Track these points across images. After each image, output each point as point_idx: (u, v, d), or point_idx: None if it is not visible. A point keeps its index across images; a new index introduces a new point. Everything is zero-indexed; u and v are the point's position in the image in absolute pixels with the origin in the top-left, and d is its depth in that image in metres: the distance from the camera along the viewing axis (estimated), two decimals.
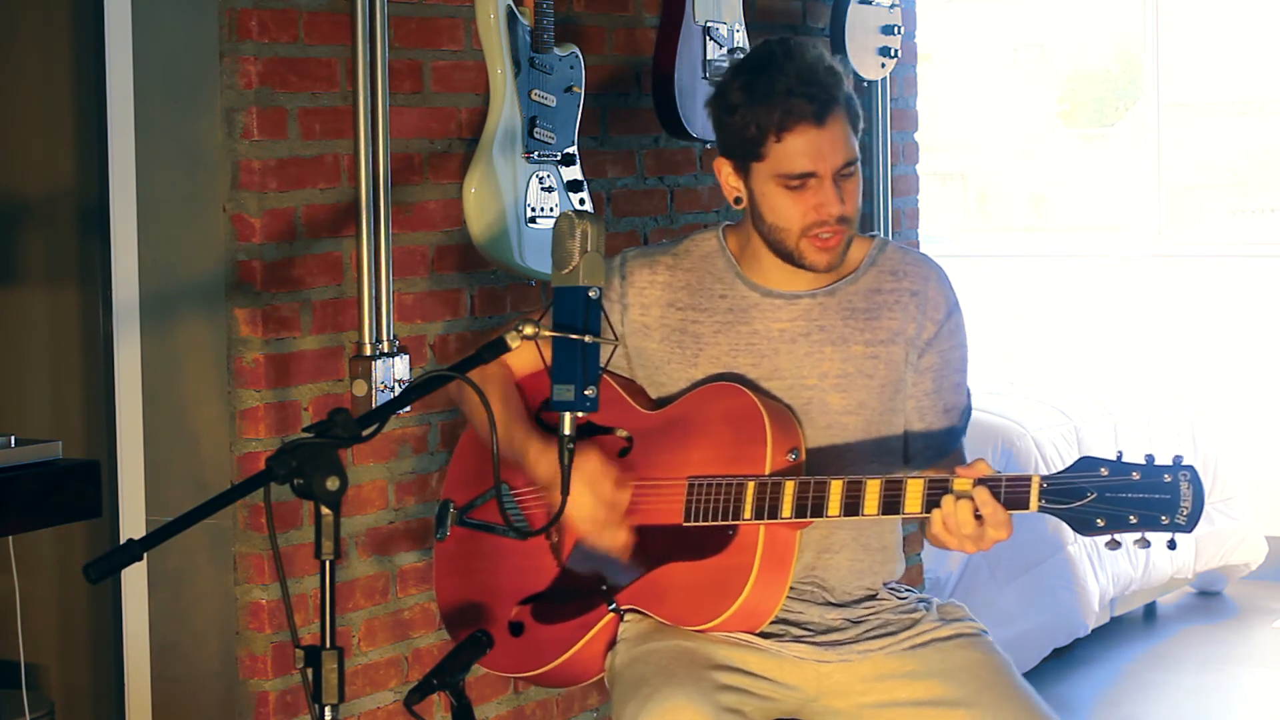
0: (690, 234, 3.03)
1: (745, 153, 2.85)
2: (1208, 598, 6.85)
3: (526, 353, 2.90)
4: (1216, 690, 5.80)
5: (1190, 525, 2.52)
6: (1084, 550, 5.86)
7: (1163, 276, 7.59)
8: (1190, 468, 2.54)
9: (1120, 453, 2.59)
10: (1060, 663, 5.86)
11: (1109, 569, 5.96)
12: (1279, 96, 7.82)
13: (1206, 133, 7.92)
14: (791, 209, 2.83)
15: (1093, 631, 5.94)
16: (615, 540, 2.84)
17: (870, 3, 4.75)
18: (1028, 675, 5.70)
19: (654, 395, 2.97)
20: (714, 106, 2.89)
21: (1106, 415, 6.35)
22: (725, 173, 2.91)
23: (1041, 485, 2.59)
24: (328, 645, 2.28)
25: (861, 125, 2.89)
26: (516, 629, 2.95)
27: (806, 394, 2.88)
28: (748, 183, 2.88)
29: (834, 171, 2.82)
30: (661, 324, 2.94)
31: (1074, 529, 2.57)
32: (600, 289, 2.56)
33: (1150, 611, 6.61)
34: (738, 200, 2.90)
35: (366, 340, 3.51)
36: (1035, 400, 6.31)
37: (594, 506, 2.81)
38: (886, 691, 2.83)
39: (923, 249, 5.26)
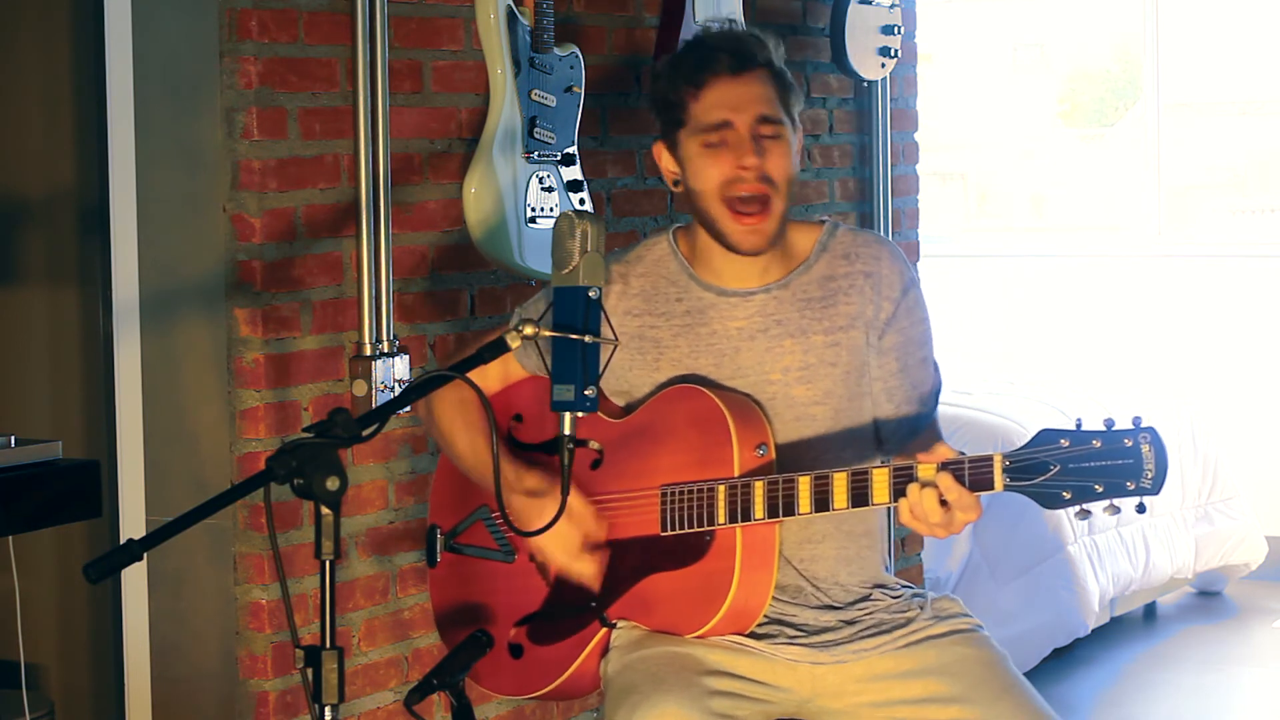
0: (641, 240, 3.03)
1: (672, 120, 2.88)
2: (1208, 598, 6.84)
3: (496, 367, 2.92)
4: (1216, 690, 5.80)
5: (1156, 488, 2.49)
6: (1084, 550, 5.86)
7: (1163, 276, 7.59)
8: (1151, 429, 2.51)
9: (1079, 420, 2.56)
10: (1060, 663, 5.85)
11: (1109, 569, 5.96)
12: (1279, 96, 7.82)
13: (1206, 133, 7.92)
14: (710, 167, 2.84)
15: (1093, 631, 5.93)
16: (588, 570, 2.86)
17: (870, 3, 4.75)
18: (1028, 675, 5.70)
19: (621, 403, 2.97)
20: (649, 89, 2.92)
21: (1107, 416, 6.33)
22: (664, 158, 2.93)
23: (1005, 464, 2.57)
24: (328, 645, 2.28)
25: (798, 101, 2.89)
26: (516, 651, 2.95)
27: (771, 389, 2.88)
28: (679, 158, 2.89)
29: (750, 122, 2.83)
30: (620, 332, 2.92)
31: (1041, 504, 2.55)
32: (600, 289, 2.56)
33: (1150, 611, 6.61)
34: (676, 183, 2.92)
35: (366, 340, 3.51)
36: (1035, 400, 6.31)
37: (568, 537, 2.84)
38: (882, 691, 2.82)
39: (923, 249, 5.27)
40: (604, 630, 2.88)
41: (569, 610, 2.91)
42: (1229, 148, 7.97)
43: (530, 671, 2.94)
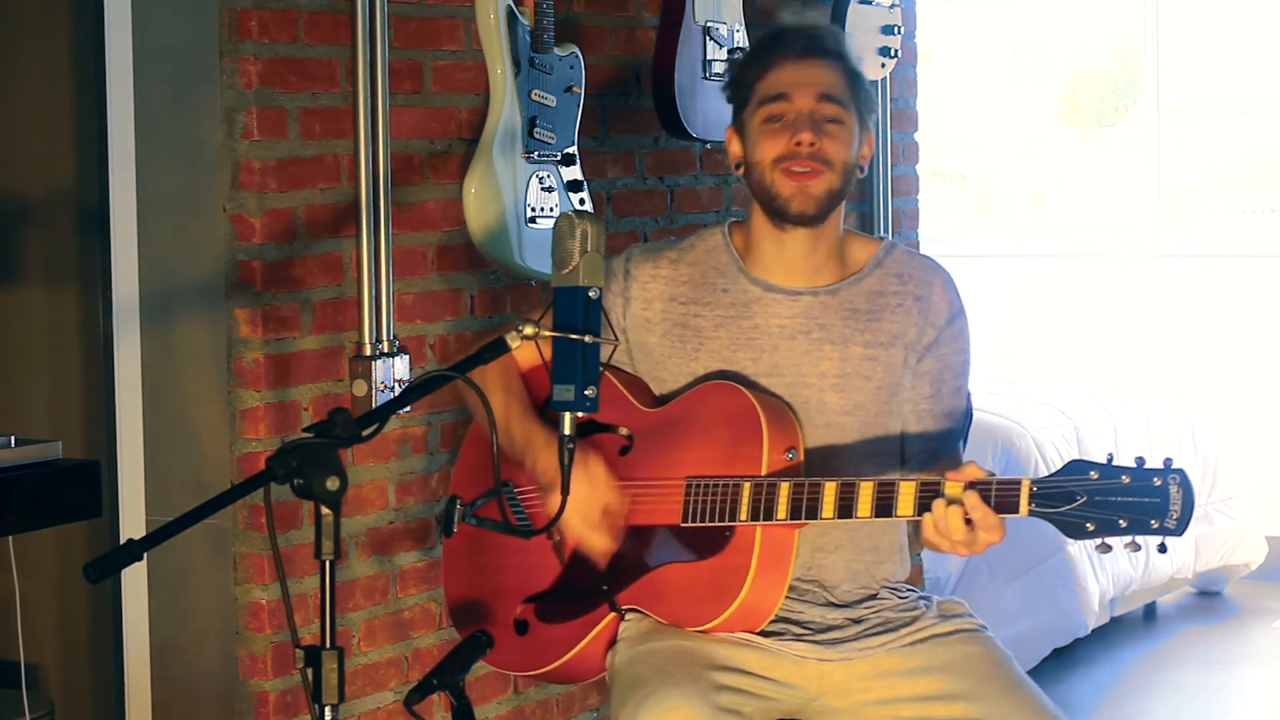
0: (697, 230, 3.04)
1: (740, 98, 2.94)
2: (1208, 598, 6.84)
3: (530, 347, 2.91)
4: (1216, 690, 5.80)
5: (1180, 529, 2.50)
6: (1084, 550, 5.86)
7: (1163, 276, 7.59)
8: (1180, 471, 2.52)
9: (1110, 455, 2.58)
10: (1060, 663, 5.85)
11: (1109, 569, 5.96)
12: (1279, 96, 7.82)
13: (1206, 133, 7.92)
14: (769, 142, 2.88)
15: (1093, 631, 5.93)
16: (601, 544, 2.85)
17: (870, 3, 4.75)
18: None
19: (655, 391, 2.98)
20: (724, 73, 2.99)
21: (1106, 415, 6.34)
22: (732, 142, 2.98)
23: (1032, 489, 2.58)
24: (328, 645, 2.28)
25: (867, 99, 2.93)
26: (522, 627, 2.95)
27: (805, 392, 2.89)
28: (744, 139, 2.94)
29: (810, 101, 2.87)
30: (663, 318, 2.95)
31: (1064, 533, 2.56)
32: (600, 289, 2.56)
33: (1150, 611, 6.61)
34: (738, 165, 2.95)
35: (366, 340, 3.51)
36: (1035, 400, 6.31)
37: (589, 506, 2.82)
38: (888, 689, 2.83)
39: (923, 249, 5.27)
40: (612, 615, 2.88)
41: (579, 591, 2.91)
42: (1229, 148, 7.97)
43: (533, 649, 2.94)
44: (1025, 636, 5.54)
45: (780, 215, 2.89)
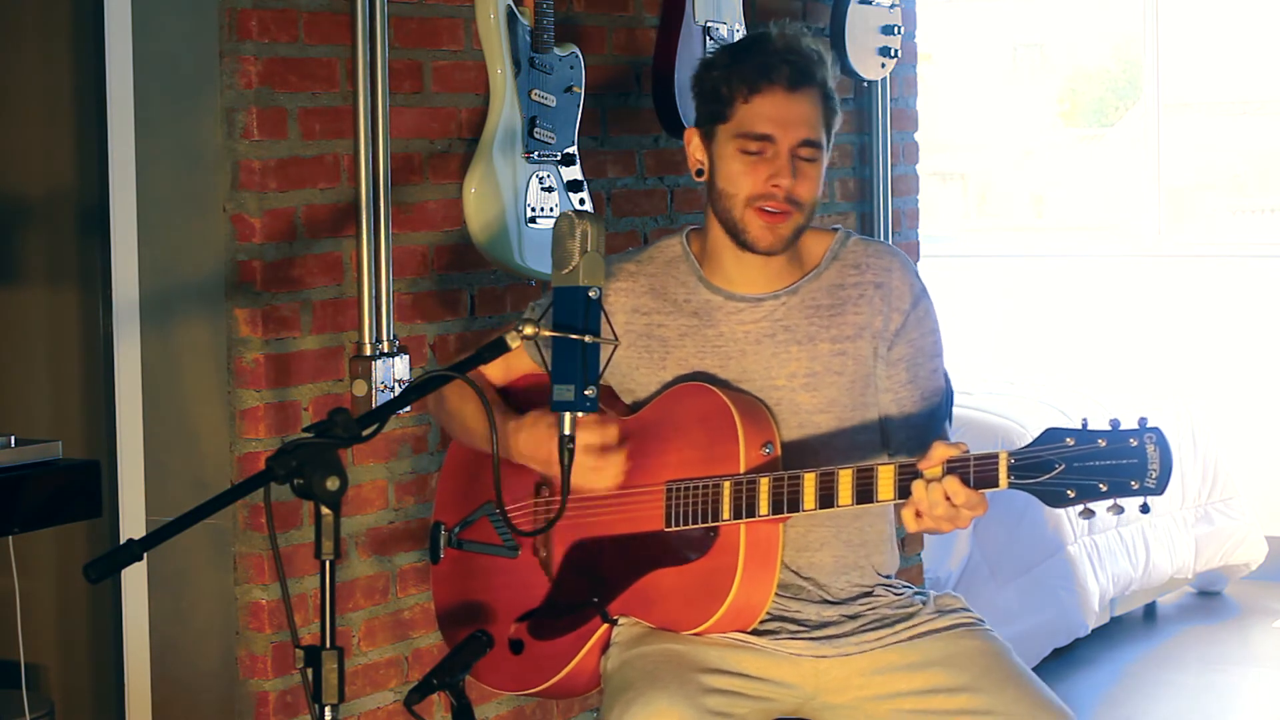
0: (655, 240, 3.03)
1: (714, 114, 2.88)
2: (1208, 598, 6.84)
3: (500, 365, 2.92)
4: (1216, 690, 5.80)
5: (1160, 487, 2.49)
6: (1084, 550, 5.86)
7: (1163, 276, 7.59)
8: (1156, 429, 2.50)
9: (1085, 420, 2.56)
10: (1060, 663, 5.85)
11: (1109, 569, 5.96)
12: (1279, 96, 7.82)
13: (1206, 133, 7.92)
14: (743, 175, 2.84)
15: (1093, 631, 5.93)
16: (611, 480, 2.84)
17: (870, 3, 4.75)
18: None
19: (626, 401, 2.97)
20: (697, 73, 2.94)
21: (1107, 415, 6.34)
22: (693, 144, 2.93)
23: (1010, 461, 2.57)
24: (328, 645, 2.28)
25: (837, 122, 2.90)
26: (516, 647, 2.96)
27: (776, 395, 2.88)
28: (710, 149, 2.89)
29: (792, 145, 2.83)
30: (627, 329, 2.94)
31: (1045, 502, 2.54)
32: (600, 289, 2.56)
33: (1150, 611, 6.61)
34: (699, 172, 2.92)
35: (366, 340, 3.51)
36: (1035, 400, 6.31)
37: (583, 453, 2.80)
38: (887, 684, 2.83)
39: (923, 249, 5.27)
40: (605, 626, 2.89)
41: (571, 605, 2.91)
42: (1229, 148, 7.97)
43: (529, 667, 2.95)
44: (1025, 636, 5.54)
45: (746, 248, 2.87)
